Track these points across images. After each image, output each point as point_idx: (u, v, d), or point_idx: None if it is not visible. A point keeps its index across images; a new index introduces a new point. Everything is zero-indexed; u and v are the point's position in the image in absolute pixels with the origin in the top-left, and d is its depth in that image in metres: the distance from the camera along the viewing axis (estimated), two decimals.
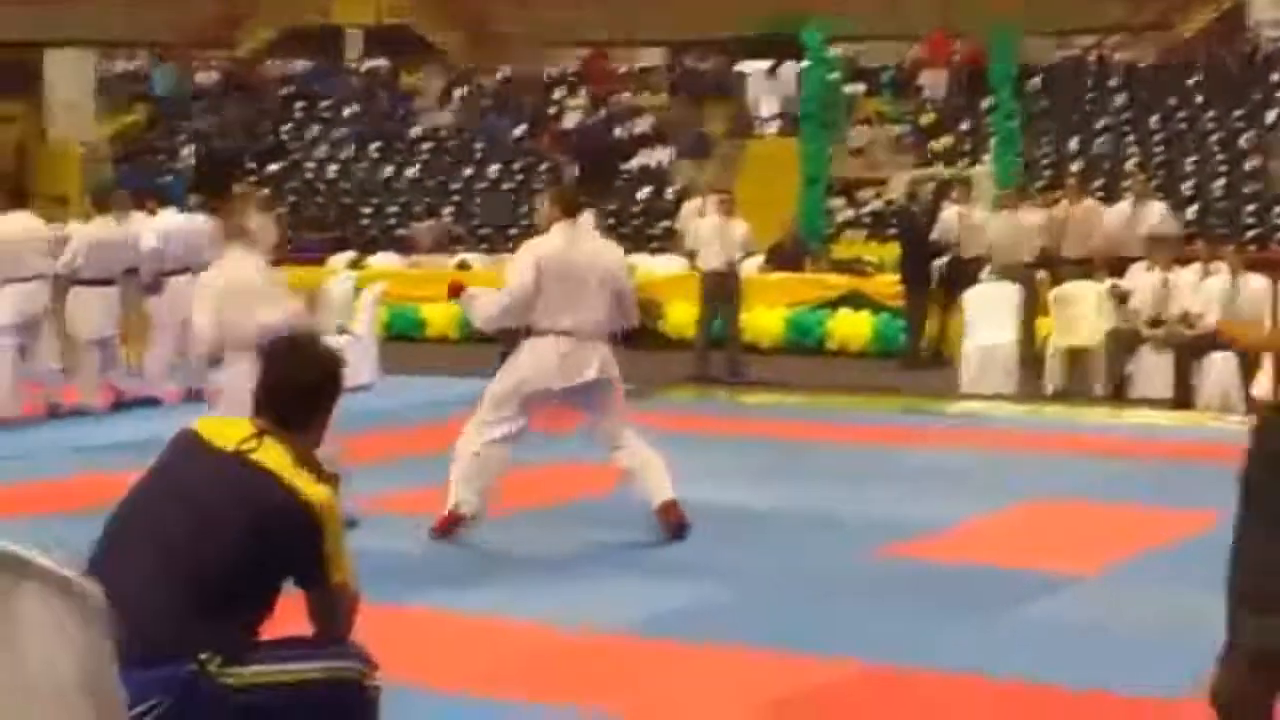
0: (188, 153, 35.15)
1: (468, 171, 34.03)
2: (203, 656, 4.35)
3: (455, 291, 10.63)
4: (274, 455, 4.63)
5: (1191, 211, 27.00)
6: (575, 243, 10.08)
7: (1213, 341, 15.86)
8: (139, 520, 4.64)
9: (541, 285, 9.89)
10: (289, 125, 36.48)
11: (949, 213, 20.40)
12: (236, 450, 4.64)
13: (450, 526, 9.96)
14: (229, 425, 4.77)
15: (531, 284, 9.93)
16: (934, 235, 20.01)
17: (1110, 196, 23.98)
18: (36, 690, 3.89)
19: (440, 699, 6.68)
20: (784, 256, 23.01)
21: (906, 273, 20.10)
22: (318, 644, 4.63)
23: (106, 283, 15.61)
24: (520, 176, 33.44)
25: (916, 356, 19.52)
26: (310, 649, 4.61)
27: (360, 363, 15.58)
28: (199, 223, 18.01)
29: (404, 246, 29.57)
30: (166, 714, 4.28)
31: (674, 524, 9.96)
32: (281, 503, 4.54)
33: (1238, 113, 30.32)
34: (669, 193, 31.43)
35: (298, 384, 4.84)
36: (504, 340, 16.62)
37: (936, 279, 19.93)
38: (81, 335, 15.54)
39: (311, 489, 4.57)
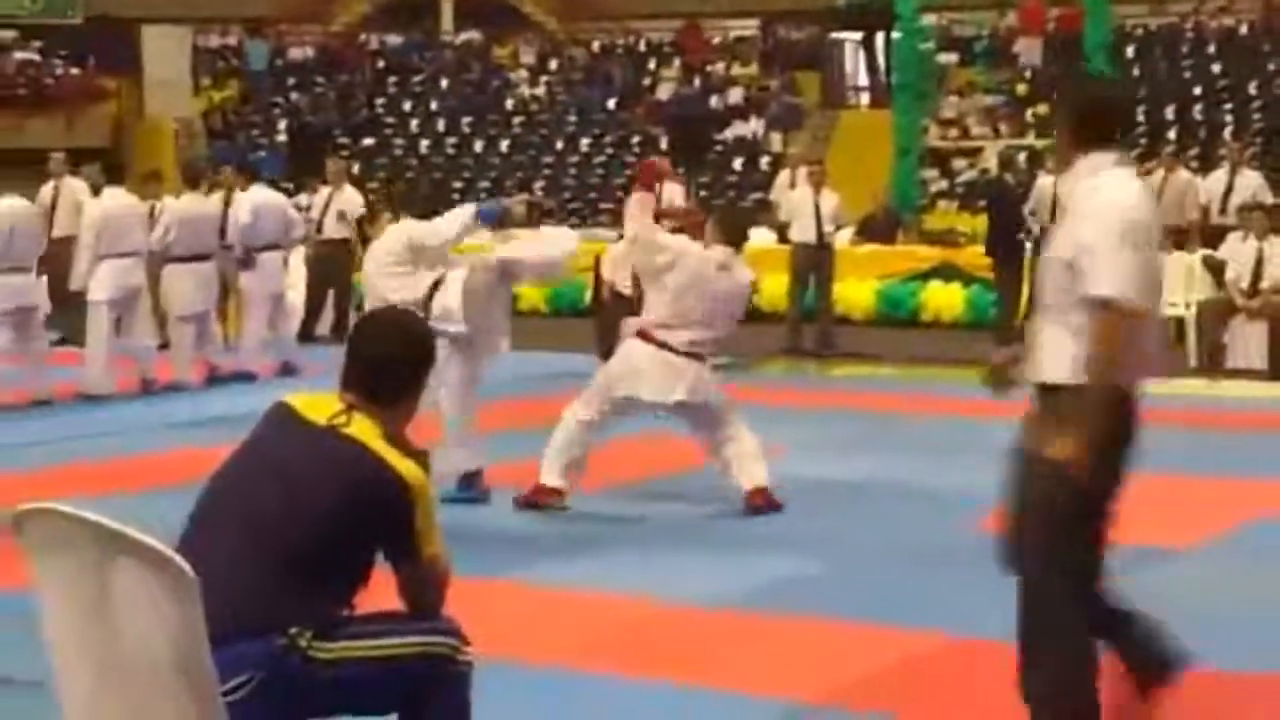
0: (282, 128, 35.35)
1: (560, 144, 34.06)
2: (293, 631, 4.36)
3: (649, 180, 10.57)
4: (364, 429, 4.62)
5: None
6: (728, 270, 10.11)
7: None
8: (231, 495, 4.66)
9: (668, 281, 9.94)
10: (382, 100, 36.61)
11: (1043, 182, 20.25)
12: (329, 424, 4.64)
13: (532, 498, 10.03)
14: (321, 400, 4.76)
15: (660, 261, 9.98)
16: (1029, 206, 19.90)
17: (1206, 165, 23.74)
18: (131, 665, 3.94)
19: (531, 672, 6.72)
20: (875, 228, 22.91)
21: (995, 245, 19.93)
22: (409, 619, 4.64)
23: (200, 258, 15.75)
24: (612, 150, 33.44)
25: (1010, 329, 19.40)
26: (402, 624, 4.61)
27: None
28: (285, 200, 18.27)
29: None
30: (257, 689, 4.31)
31: (759, 507, 9.97)
32: (373, 475, 4.53)
33: None
34: (762, 164, 31.37)
35: (386, 359, 4.79)
36: (599, 327, 16.70)
37: (1031, 250, 19.80)
38: (175, 311, 15.68)
39: (402, 464, 4.57)
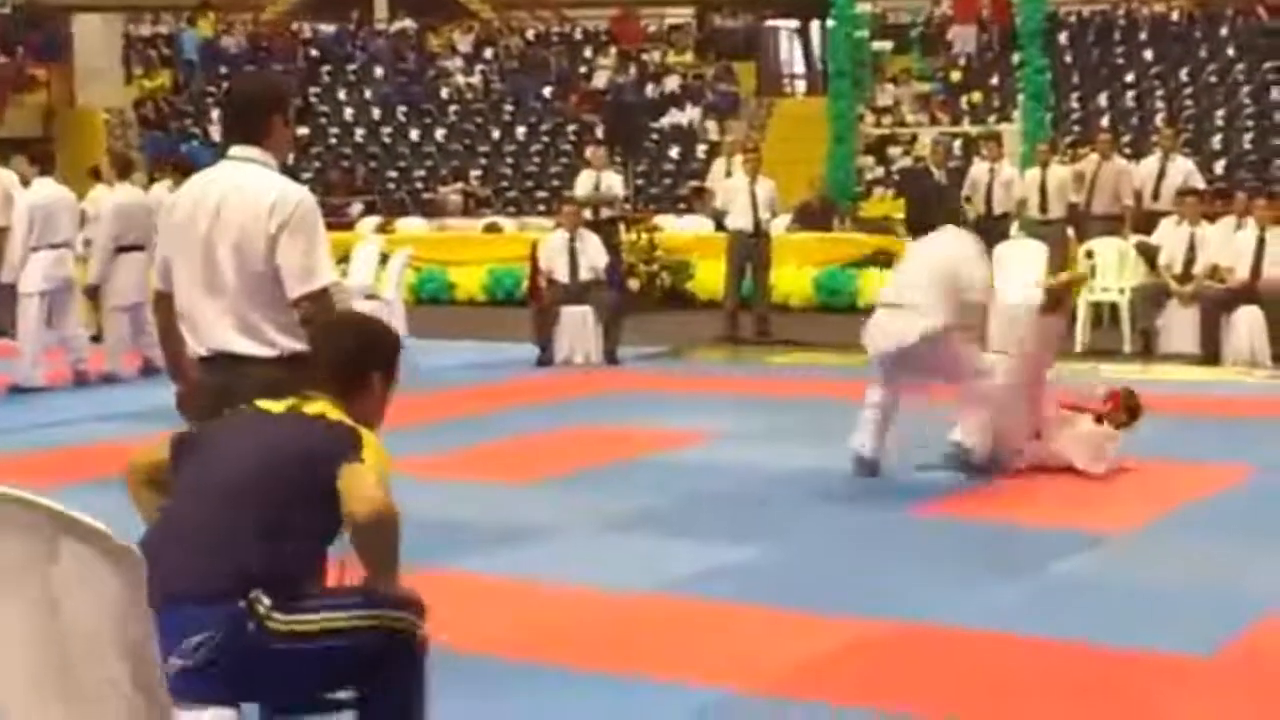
0: (214, 117, 35.10)
1: (495, 133, 33.98)
2: (252, 595, 4.40)
3: None
4: (324, 406, 4.79)
5: (1220, 165, 26.88)
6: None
7: (1241, 296, 15.87)
8: (193, 466, 4.75)
9: None
10: (316, 89, 36.42)
11: (979, 169, 20.36)
12: (288, 409, 4.81)
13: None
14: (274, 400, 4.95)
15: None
16: (964, 191, 20.04)
17: (1139, 151, 23.88)
18: (72, 646, 3.90)
19: (465, 662, 6.67)
20: (812, 216, 22.94)
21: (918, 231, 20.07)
22: (368, 593, 4.62)
23: (136, 249, 15.61)
24: (548, 138, 33.39)
25: None
26: (360, 597, 4.61)
27: None
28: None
29: (431, 210, 29.56)
30: (213, 651, 4.34)
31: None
32: (328, 427, 4.69)
33: (1268, 65, 30.16)
34: (698, 152, 31.38)
35: (332, 354, 4.97)
36: (536, 317, 16.68)
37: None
38: (110, 302, 15.56)
39: (358, 425, 4.72)
